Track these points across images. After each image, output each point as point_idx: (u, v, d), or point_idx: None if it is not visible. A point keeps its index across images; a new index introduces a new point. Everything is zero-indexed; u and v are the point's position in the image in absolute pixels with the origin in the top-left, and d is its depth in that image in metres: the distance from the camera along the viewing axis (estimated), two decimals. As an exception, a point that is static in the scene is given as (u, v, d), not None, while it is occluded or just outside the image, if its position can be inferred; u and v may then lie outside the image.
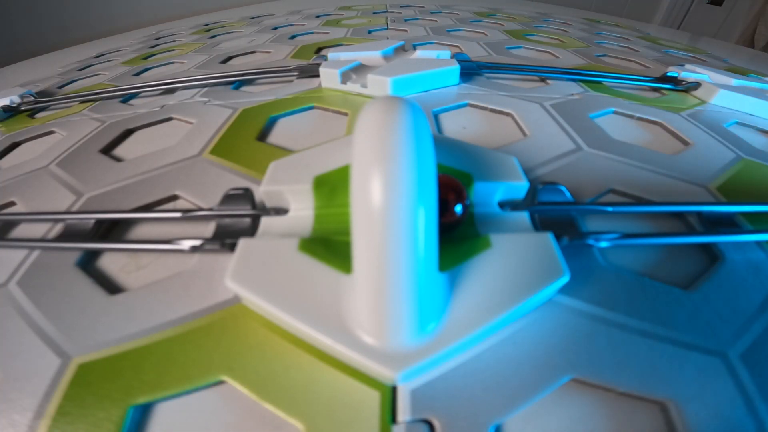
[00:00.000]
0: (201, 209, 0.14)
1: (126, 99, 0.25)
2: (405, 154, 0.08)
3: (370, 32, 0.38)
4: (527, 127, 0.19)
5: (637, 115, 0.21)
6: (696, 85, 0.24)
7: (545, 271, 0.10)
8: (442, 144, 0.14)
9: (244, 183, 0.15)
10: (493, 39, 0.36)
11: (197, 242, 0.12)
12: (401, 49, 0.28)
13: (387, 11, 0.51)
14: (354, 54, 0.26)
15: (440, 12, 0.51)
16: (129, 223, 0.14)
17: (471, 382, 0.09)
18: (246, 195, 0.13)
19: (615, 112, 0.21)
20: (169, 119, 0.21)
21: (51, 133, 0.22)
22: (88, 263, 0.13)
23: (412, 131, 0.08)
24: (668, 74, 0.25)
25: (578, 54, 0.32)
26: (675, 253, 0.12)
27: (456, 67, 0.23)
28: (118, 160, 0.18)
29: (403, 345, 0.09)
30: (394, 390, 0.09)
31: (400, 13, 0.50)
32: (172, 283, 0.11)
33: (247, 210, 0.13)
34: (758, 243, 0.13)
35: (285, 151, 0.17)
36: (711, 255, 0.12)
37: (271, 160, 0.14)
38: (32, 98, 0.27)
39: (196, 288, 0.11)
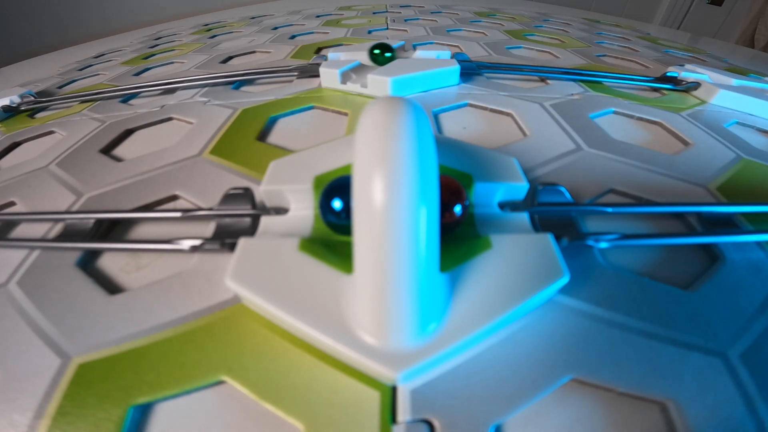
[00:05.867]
0: (201, 209, 0.14)
1: (126, 99, 0.25)
2: (407, 154, 0.08)
3: (370, 32, 0.38)
4: (527, 127, 0.19)
5: (637, 115, 0.21)
6: (696, 85, 0.24)
7: (545, 271, 0.10)
8: (443, 144, 0.14)
9: (244, 183, 0.15)
10: (493, 39, 0.36)
11: (197, 242, 0.12)
12: (401, 49, 0.28)
13: (387, 11, 0.51)
14: (354, 54, 0.26)
15: (440, 12, 0.51)
16: (129, 223, 0.14)
17: (471, 382, 0.09)
18: (246, 194, 0.13)
19: (615, 112, 0.21)
20: (169, 119, 0.21)
21: (51, 133, 0.22)
22: (88, 263, 0.13)
23: (415, 132, 0.08)
24: (668, 74, 0.25)
25: (578, 54, 0.32)
26: (675, 253, 0.12)
27: (456, 67, 0.23)
28: (118, 160, 0.18)
29: (403, 345, 0.09)
30: (394, 390, 0.09)
31: (400, 13, 0.50)
32: (172, 283, 0.11)
33: (247, 209, 0.13)
34: (758, 243, 0.13)
35: (285, 151, 0.17)
36: (711, 255, 0.12)
37: (271, 160, 0.14)
38: (32, 98, 0.27)
39: (196, 288, 0.11)
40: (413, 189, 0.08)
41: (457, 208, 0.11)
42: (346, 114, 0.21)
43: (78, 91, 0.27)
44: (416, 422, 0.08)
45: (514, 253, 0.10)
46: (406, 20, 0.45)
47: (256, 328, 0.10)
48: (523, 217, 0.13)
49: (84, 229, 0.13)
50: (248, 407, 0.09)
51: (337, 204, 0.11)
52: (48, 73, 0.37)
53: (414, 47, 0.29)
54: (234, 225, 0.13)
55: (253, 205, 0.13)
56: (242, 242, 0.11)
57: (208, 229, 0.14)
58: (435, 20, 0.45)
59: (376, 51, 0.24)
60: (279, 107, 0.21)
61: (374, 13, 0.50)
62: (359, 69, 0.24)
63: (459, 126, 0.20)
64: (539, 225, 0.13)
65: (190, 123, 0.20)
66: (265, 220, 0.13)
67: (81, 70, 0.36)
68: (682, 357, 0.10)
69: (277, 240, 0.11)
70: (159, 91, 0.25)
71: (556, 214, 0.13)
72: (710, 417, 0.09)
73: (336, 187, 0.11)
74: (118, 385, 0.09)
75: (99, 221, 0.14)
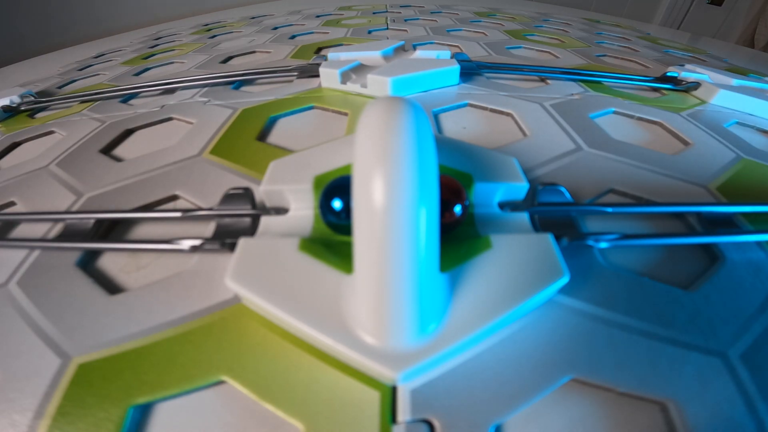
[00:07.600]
0: (201, 209, 0.14)
1: (126, 99, 0.25)
2: (407, 154, 0.08)
3: (370, 32, 0.38)
4: (527, 127, 0.19)
5: (637, 115, 0.21)
6: (696, 85, 0.24)
7: (545, 271, 0.10)
8: (443, 144, 0.14)
9: (244, 183, 0.15)
10: (493, 39, 0.36)
11: (197, 242, 0.12)
12: (401, 49, 0.28)
13: (387, 11, 0.51)
14: (354, 54, 0.26)
15: (440, 12, 0.51)
16: (129, 223, 0.14)
17: (471, 382, 0.09)
18: (246, 194, 0.13)
19: (615, 112, 0.21)
20: (169, 119, 0.21)
21: (51, 133, 0.22)
22: (88, 263, 0.13)
23: (414, 132, 0.08)
24: (668, 74, 0.25)
25: (578, 54, 0.32)
26: (675, 253, 0.12)
27: (456, 67, 0.23)
28: (118, 160, 0.18)
29: (403, 345, 0.09)
30: (394, 390, 0.09)
31: (400, 13, 0.50)
32: (172, 283, 0.11)
33: (247, 209, 0.13)
34: (758, 243, 0.13)
35: (285, 151, 0.17)
36: (711, 255, 0.12)
37: (271, 160, 0.14)
38: (32, 98, 0.27)
39: (196, 288, 0.11)
40: (413, 189, 0.08)
41: (457, 208, 0.11)
42: (346, 114, 0.21)
43: (78, 91, 0.27)
44: (416, 422, 0.08)
45: (514, 253, 0.10)
46: (406, 20, 0.45)
47: (256, 328, 0.10)
48: (523, 217, 0.13)
49: (84, 229, 0.13)
50: (248, 407, 0.09)
51: (337, 204, 0.11)
52: (48, 73, 0.37)
53: (414, 47, 0.29)
54: (234, 225, 0.13)
55: (253, 205, 0.13)
56: (242, 242, 0.11)
57: (208, 229, 0.14)
58: (435, 20, 0.45)
59: None
60: (279, 107, 0.21)
61: (374, 13, 0.50)
62: (359, 69, 0.24)
63: (459, 126, 0.20)
64: (539, 225, 0.13)
65: (190, 123, 0.20)
66: (265, 220, 0.13)
67: (81, 70, 0.36)
68: (682, 357, 0.10)
69: (277, 240, 0.11)
70: (159, 91, 0.25)
71: (556, 214, 0.13)
72: (710, 417, 0.09)
73: (336, 187, 0.11)
74: (118, 385, 0.09)
75: (99, 221, 0.14)
